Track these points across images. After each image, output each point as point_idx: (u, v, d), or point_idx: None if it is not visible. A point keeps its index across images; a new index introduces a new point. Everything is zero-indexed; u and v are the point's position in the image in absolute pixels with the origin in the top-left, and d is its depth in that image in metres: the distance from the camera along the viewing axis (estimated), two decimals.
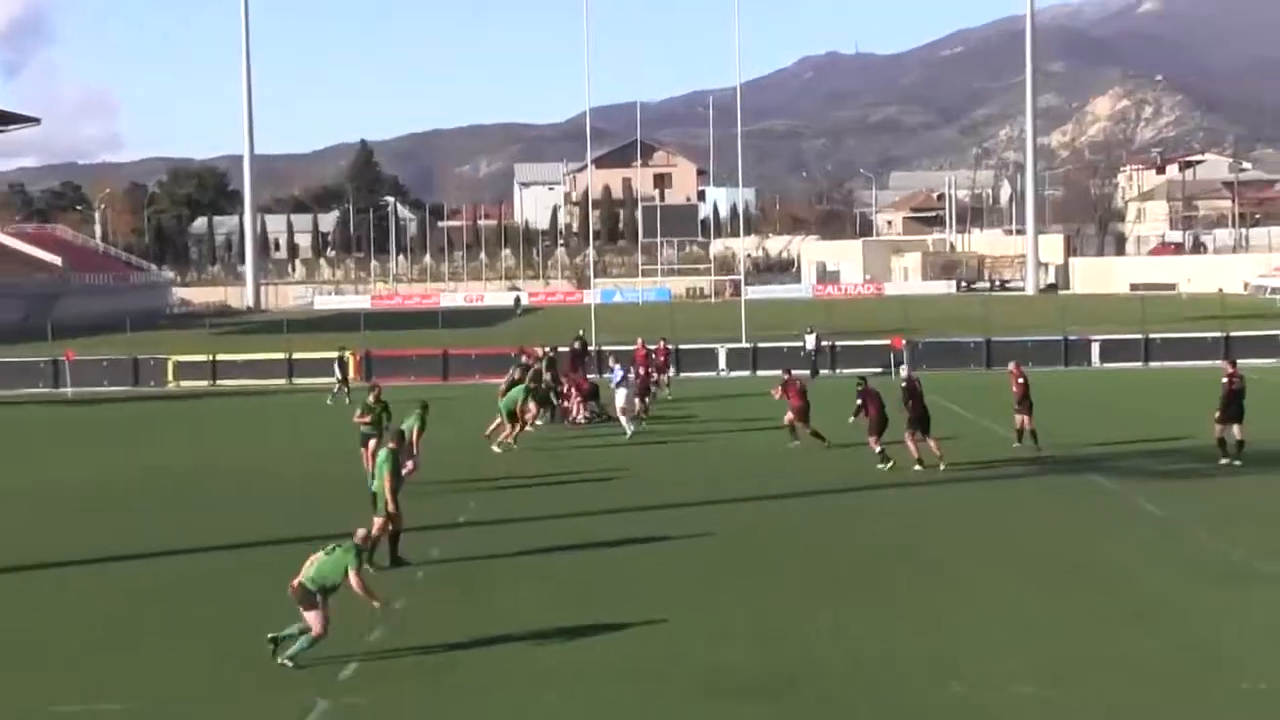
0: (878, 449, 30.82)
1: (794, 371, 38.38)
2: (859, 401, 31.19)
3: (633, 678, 16.04)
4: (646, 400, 41.86)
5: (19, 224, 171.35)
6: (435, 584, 21.00)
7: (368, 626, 18.19)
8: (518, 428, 35.06)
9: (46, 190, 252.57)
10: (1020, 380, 33.00)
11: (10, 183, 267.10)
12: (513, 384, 37.03)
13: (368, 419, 29.79)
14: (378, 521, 21.81)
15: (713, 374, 57.64)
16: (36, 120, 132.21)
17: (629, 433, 37.36)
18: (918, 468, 30.21)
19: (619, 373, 40.03)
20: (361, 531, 18.30)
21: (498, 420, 35.37)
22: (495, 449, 34.36)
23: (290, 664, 16.41)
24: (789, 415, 34.66)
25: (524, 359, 41.36)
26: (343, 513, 27.15)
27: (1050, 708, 14.81)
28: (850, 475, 29.94)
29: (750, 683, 15.79)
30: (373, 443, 26.70)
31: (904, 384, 31.52)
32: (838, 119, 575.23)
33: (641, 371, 43.70)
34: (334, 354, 50.52)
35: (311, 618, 16.45)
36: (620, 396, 38.34)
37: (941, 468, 30.39)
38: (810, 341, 56.66)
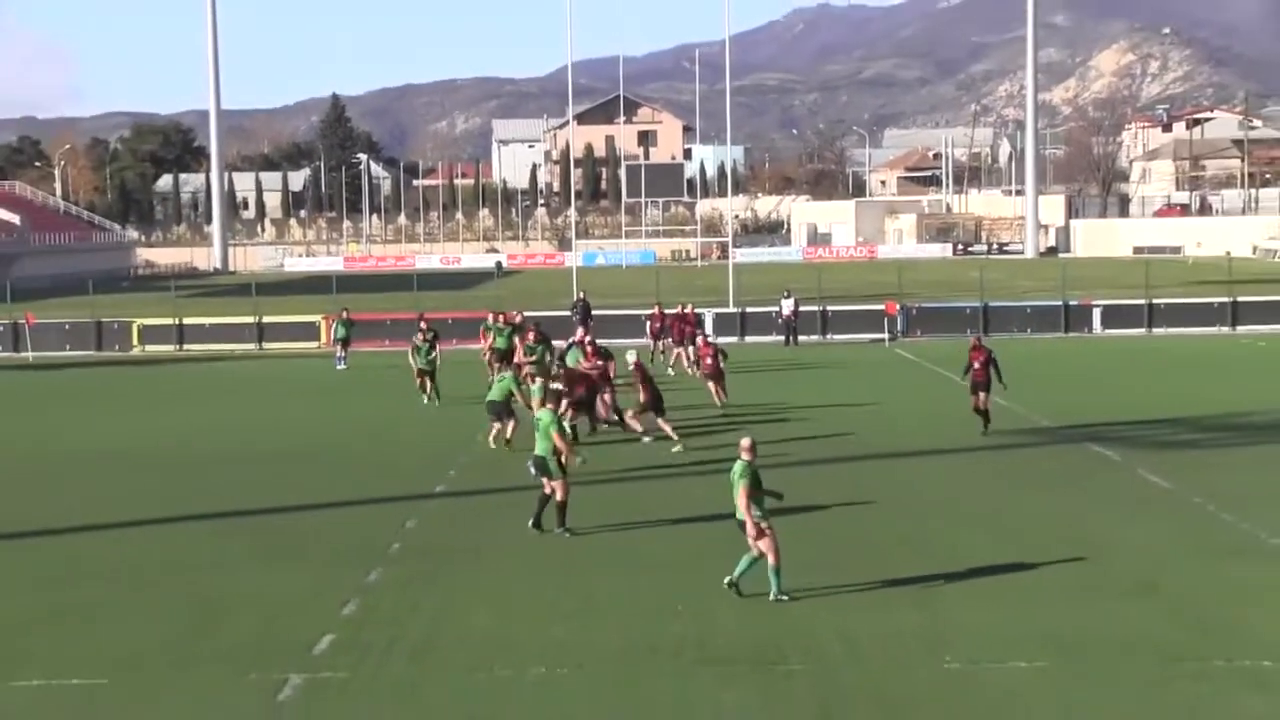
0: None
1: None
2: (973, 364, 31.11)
3: (619, 651, 16.15)
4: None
5: None
6: (412, 557, 21.08)
7: (341, 601, 18.28)
8: (512, 426, 29.83)
9: (3, 145, 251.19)
10: (986, 358, 30.96)
11: None
12: (503, 355, 36.62)
13: (532, 359, 29.70)
14: (560, 486, 22.03)
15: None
16: None
17: None
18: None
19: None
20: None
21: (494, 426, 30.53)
22: (490, 444, 30.43)
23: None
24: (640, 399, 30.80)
25: (500, 322, 39.38)
26: (322, 478, 27.30)
27: (1048, 681, 14.94)
28: (842, 447, 30.02)
29: (739, 654, 15.92)
30: (536, 386, 27.05)
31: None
32: (830, 74, 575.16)
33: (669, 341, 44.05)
34: (312, 318, 50.38)
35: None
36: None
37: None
38: (787, 306, 56.69)
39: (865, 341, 56.43)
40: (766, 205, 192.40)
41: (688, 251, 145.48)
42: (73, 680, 15.63)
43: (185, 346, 58.73)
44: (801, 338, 56.61)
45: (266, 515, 24.22)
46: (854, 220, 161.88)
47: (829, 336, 57.83)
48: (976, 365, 31.09)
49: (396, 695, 14.87)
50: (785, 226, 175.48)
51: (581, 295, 56.33)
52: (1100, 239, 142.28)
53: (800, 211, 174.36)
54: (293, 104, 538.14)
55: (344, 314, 50.33)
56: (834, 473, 27.53)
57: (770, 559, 18.07)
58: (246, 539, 22.58)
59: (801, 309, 57.22)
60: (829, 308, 59.96)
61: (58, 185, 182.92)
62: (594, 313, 53.63)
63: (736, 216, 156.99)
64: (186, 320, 61.25)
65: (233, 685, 15.30)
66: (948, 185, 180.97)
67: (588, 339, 34.25)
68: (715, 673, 15.35)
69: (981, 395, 31.18)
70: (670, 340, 46.75)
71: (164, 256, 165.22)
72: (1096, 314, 59.57)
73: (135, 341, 59.40)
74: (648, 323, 49.68)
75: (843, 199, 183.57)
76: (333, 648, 16.57)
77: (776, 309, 57.56)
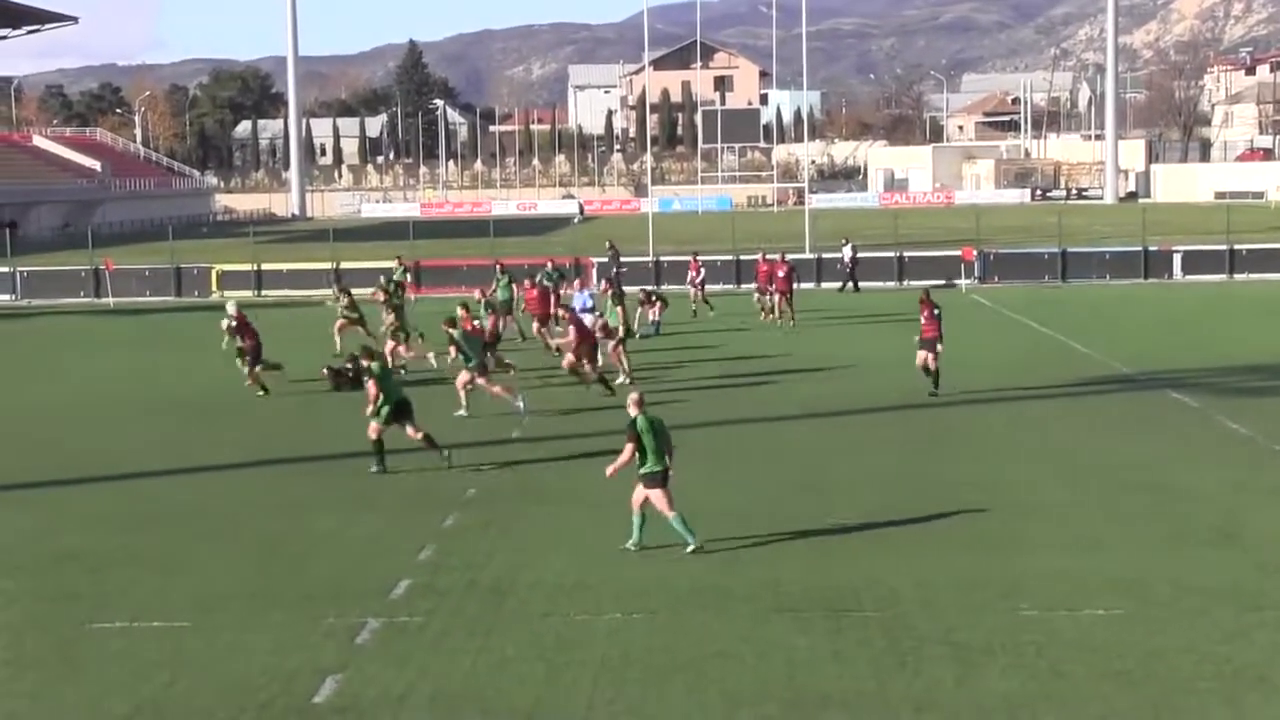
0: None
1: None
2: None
3: (693, 597, 16.14)
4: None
5: (58, 127, 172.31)
6: (487, 503, 21.15)
7: (417, 546, 18.37)
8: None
9: (85, 92, 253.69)
10: (933, 313, 29.28)
11: (48, 84, 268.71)
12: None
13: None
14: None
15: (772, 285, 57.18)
16: (74, 19, 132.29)
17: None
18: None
19: (583, 297, 36.79)
20: None
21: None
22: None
23: None
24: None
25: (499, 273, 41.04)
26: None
27: (1125, 629, 14.78)
28: (917, 392, 29.80)
29: (812, 600, 15.87)
30: None
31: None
32: (907, 18, 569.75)
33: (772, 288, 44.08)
34: (388, 264, 50.36)
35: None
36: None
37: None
38: (847, 253, 56.47)
39: (941, 287, 56.00)
40: (843, 151, 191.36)
41: (764, 197, 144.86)
42: (154, 623, 15.80)
43: (263, 292, 59.06)
44: (877, 284, 56.33)
45: (342, 460, 24.36)
46: (931, 166, 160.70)
47: (905, 283, 57.42)
48: (924, 321, 29.20)
49: (472, 639, 14.93)
50: (862, 172, 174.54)
51: (610, 244, 57.07)
52: (1181, 184, 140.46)
53: (877, 157, 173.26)
54: (370, 50, 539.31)
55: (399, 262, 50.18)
56: (909, 417, 27.38)
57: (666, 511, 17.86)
58: (322, 484, 22.74)
59: (864, 255, 57.00)
60: (905, 253, 59.54)
61: (138, 132, 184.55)
62: (665, 259, 53.91)
63: (813, 162, 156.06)
64: (265, 266, 61.66)
65: (311, 628, 15.40)
66: (1026, 130, 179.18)
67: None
68: (788, 619, 15.31)
69: (927, 354, 29.24)
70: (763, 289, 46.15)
71: (242, 202, 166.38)
72: (1177, 259, 58.85)
73: (214, 287, 59.80)
74: (689, 272, 49.30)
75: (920, 144, 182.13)
76: (409, 592, 16.66)
77: (839, 255, 57.38)
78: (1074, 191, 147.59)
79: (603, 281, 35.18)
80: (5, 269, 62.24)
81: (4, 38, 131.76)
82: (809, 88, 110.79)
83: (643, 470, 17.82)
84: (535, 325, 37.67)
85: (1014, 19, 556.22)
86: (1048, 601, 15.71)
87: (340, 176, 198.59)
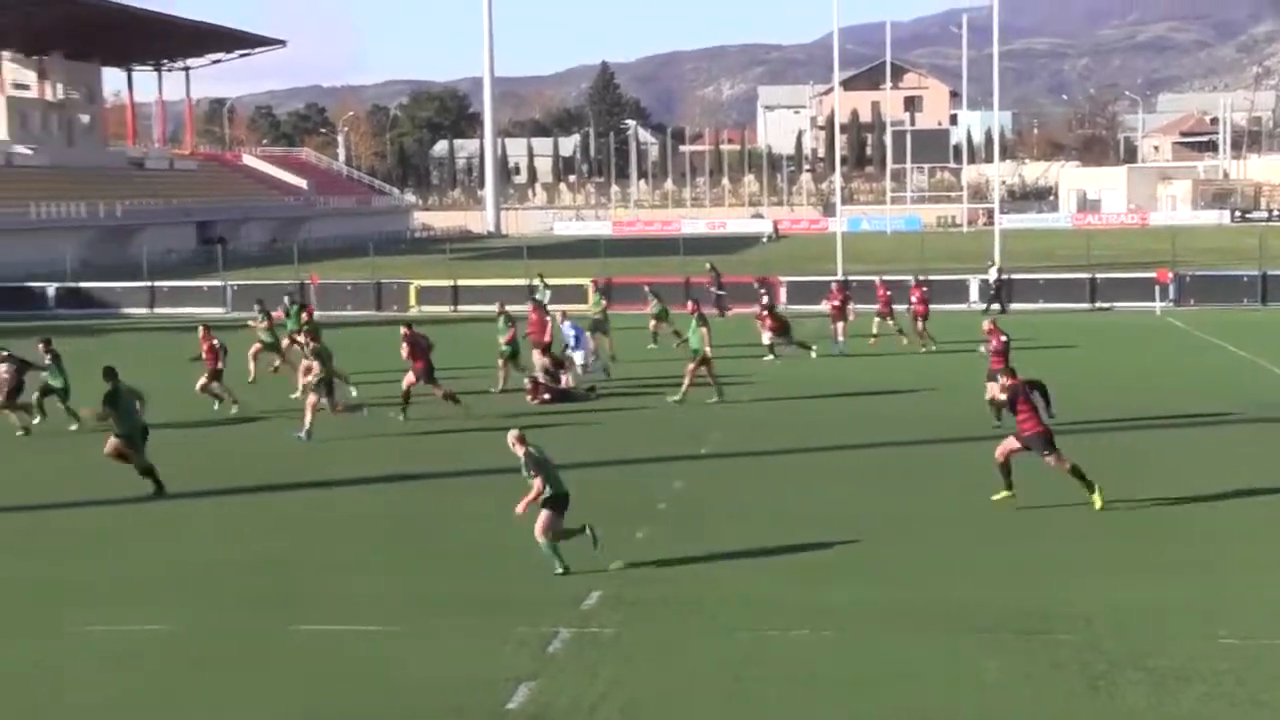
0: None
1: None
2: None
3: (883, 617, 15.99)
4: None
5: (266, 146, 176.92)
6: (680, 517, 21.20)
7: (609, 558, 18.48)
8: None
9: (292, 113, 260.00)
10: (1001, 340, 27.88)
11: (258, 105, 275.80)
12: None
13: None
14: None
15: (963, 306, 56.61)
16: (282, 42, 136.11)
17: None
18: None
19: (571, 332, 36.43)
20: None
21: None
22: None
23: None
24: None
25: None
26: (593, 439, 27.63)
27: None
28: (1111, 412, 29.13)
29: (1004, 622, 15.64)
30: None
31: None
32: (1102, 37, 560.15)
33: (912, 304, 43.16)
34: (581, 280, 50.79)
35: None
36: (578, 356, 35.86)
37: None
38: (992, 275, 56.12)
39: (1135, 309, 54.92)
40: (1034, 171, 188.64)
41: (953, 218, 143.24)
42: (353, 626, 16.13)
43: (459, 307, 59.89)
44: (1069, 305, 55.65)
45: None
46: (1125, 186, 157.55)
47: (1097, 304, 56.38)
48: (993, 349, 27.74)
49: (661, 652, 14.97)
50: (1053, 193, 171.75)
51: (711, 265, 56.69)
52: None
53: (1069, 177, 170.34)
54: (564, 71, 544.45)
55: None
56: (1105, 440, 26.82)
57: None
58: (515, 493, 22.93)
59: (1055, 276, 56.29)
60: (1098, 275, 58.50)
61: (341, 151, 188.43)
62: (837, 279, 53.62)
63: (1003, 182, 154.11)
64: (461, 281, 62.57)
65: (504, 637, 15.54)
66: (1225, 150, 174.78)
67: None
68: (979, 640, 15.09)
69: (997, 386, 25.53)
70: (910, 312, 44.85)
71: (439, 220, 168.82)
72: None
73: (412, 302, 60.86)
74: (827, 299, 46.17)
75: (1113, 165, 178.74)
76: (601, 603, 16.76)
77: (985, 276, 56.90)
78: (1275, 212, 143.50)
79: (690, 302, 34.92)
80: (217, 282, 64.29)
81: (217, 61, 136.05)
82: (1000, 108, 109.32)
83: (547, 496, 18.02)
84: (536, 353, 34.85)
85: (1214, 38, 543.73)
86: (1247, 629, 15.27)
87: (534, 195, 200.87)
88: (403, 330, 31.51)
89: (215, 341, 32.40)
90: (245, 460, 26.52)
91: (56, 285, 65.71)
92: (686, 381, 32.12)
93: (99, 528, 21.50)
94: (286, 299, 44.27)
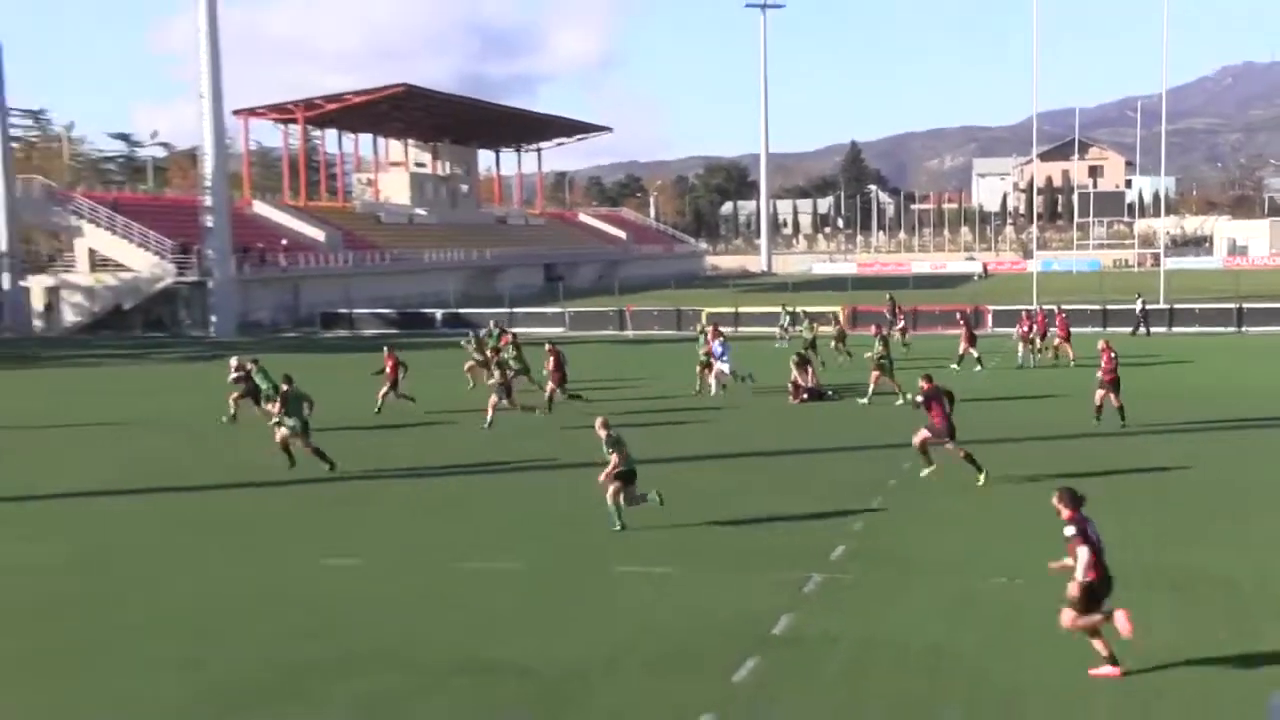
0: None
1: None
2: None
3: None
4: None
5: (595, 207, 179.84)
6: (906, 490, 20.71)
7: (851, 520, 18.20)
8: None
9: (615, 182, 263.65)
10: (1111, 357, 26.53)
11: (590, 177, 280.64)
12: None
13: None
14: None
15: (1127, 329, 54.07)
16: (609, 129, 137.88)
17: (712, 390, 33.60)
18: None
19: (720, 348, 34.18)
20: None
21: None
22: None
23: None
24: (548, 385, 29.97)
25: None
26: (824, 424, 27.13)
27: None
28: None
29: (1173, 583, 14.85)
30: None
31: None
32: (1252, 118, 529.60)
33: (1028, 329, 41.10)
34: (831, 308, 49.59)
35: None
36: (724, 366, 33.82)
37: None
38: (1138, 305, 53.40)
39: (1273, 332, 51.81)
40: (1193, 224, 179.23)
41: (1126, 260, 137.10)
42: (645, 568, 16.12)
43: (740, 328, 59.50)
44: (1218, 328, 53.16)
45: (778, 456, 24.42)
46: (1269, 235, 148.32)
47: (1243, 330, 53.37)
48: (1104, 363, 26.37)
49: (890, 594, 14.71)
50: (1209, 241, 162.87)
51: (890, 297, 53.47)
52: None
53: (1222, 229, 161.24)
54: (822, 148, 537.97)
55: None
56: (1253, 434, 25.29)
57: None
58: (764, 474, 22.71)
59: (1207, 306, 53.87)
60: (1244, 305, 55.38)
61: (651, 210, 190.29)
62: (1027, 308, 51.30)
63: (1168, 232, 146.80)
64: (741, 309, 62.50)
65: (767, 580, 15.44)
66: None
67: None
68: (1152, 594, 14.38)
69: (1106, 394, 26.32)
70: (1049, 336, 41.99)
71: (724, 262, 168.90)
72: None
73: (703, 323, 60.75)
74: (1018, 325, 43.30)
75: (1259, 219, 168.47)
76: (844, 555, 16.54)
77: (1133, 306, 53.86)
78: None
79: (873, 325, 34.66)
80: (558, 309, 65.66)
81: (561, 143, 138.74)
82: (1165, 174, 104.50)
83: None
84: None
85: None
86: None
87: (797, 242, 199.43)
88: (547, 348, 30.11)
89: (398, 357, 30.69)
90: (519, 442, 26.43)
91: (442, 310, 67.79)
92: (871, 387, 31.63)
93: (451, 494, 21.50)
94: (491, 323, 44.02)
